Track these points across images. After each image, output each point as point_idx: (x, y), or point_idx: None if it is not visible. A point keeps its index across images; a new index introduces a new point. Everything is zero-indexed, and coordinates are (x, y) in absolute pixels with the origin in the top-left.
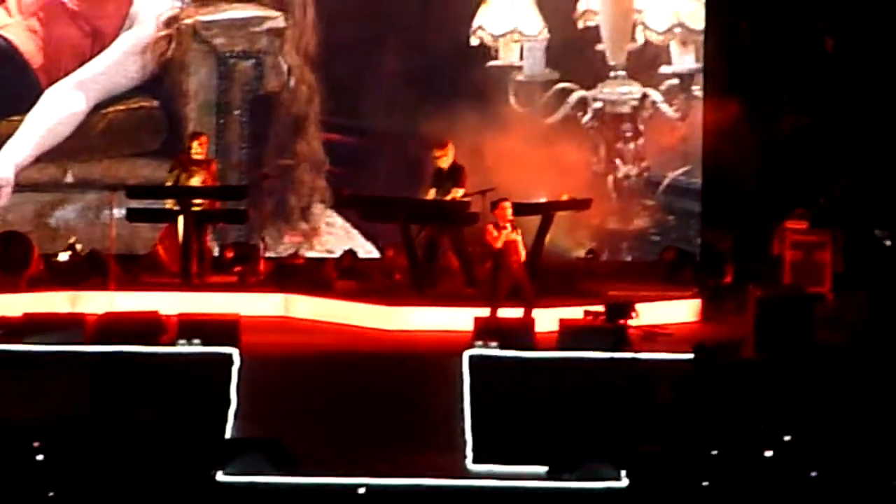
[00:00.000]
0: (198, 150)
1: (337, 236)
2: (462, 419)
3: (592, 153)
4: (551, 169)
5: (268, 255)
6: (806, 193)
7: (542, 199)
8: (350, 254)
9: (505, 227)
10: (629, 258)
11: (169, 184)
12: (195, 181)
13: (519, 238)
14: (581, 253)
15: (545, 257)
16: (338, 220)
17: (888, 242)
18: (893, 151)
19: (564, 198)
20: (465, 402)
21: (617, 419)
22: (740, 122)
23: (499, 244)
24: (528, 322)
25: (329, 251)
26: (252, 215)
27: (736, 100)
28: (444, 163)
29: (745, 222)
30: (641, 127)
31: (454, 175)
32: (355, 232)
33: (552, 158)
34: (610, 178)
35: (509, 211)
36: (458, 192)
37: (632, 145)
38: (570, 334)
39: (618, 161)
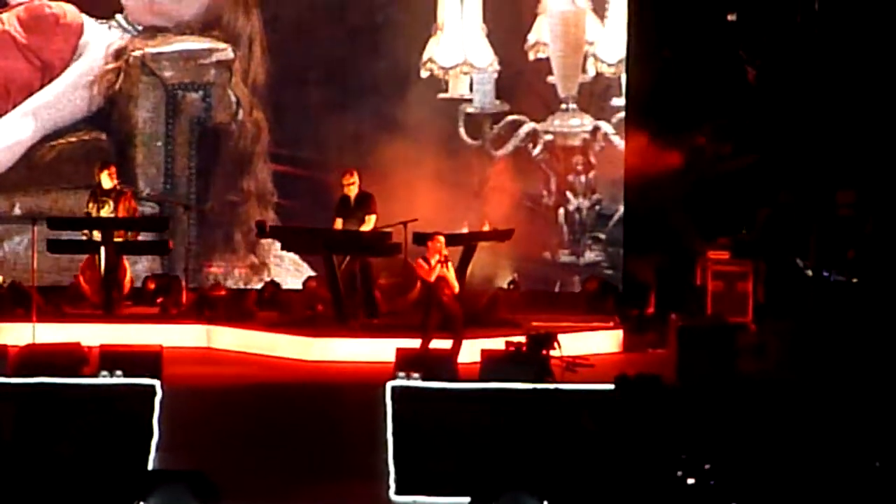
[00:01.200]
0: (107, 181)
1: (286, 269)
2: (385, 451)
3: (543, 185)
4: (494, 199)
5: (191, 286)
6: (728, 223)
7: (464, 230)
8: (272, 285)
9: (441, 261)
10: (556, 289)
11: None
12: (105, 212)
13: (451, 272)
14: (503, 283)
15: (467, 287)
16: (288, 254)
17: (810, 272)
18: (815, 181)
19: (486, 228)
20: (388, 434)
21: (539, 450)
22: (662, 152)
23: (432, 278)
24: (450, 353)
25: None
26: (175, 246)
27: (656, 129)
28: (352, 191)
29: (668, 251)
30: (593, 160)
31: (363, 203)
32: (305, 265)
33: (499, 189)
34: (561, 211)
35: (442, 245)
36: (370, 220)
37: (583, 178)
38: (492, 365)
39: (569, 194)
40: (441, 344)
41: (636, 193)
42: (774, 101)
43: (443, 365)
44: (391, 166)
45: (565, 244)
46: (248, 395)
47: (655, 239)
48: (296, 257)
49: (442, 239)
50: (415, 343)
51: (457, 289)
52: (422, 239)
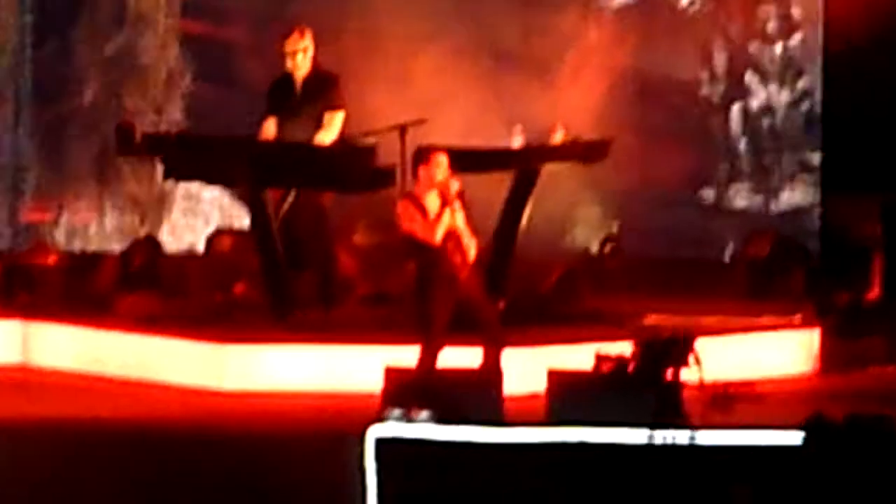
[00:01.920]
0: None
1: (175, 217)
2: None
3: (693, 62)
4: (584, 86)
5: None
6: None
7: (516, 142)
8: (148, 245)
9: (450, 203)
10: (683, 255)
11: None
12: None
13: (463, 224)
14: (593, 245)
15: (523, 254)
16: (179, 186)
17: None
18: None
19: (558, 139)
20: None
21: None
22: None
23: (436, 237)
24: (489, 375)
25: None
26: None
27: None
28: (301, 67)
29: None
30: (796, 14)
31: (321, 90)
32: (210, 210)
33: (599, 68)
34: (735, 109)
35: (445, 168)
36: (334, 121)
37: (778, 49)
38: (568, 397)
39: (750, 77)
40: (460, 357)
41: (840, 79)
42: None
43: (474, 395)
44: (380, 24)
45: (735, 174)
46: (101, 455)
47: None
48: (196, 192)
49: (443, 159)
50: (410, 353)
51: (473, 252)
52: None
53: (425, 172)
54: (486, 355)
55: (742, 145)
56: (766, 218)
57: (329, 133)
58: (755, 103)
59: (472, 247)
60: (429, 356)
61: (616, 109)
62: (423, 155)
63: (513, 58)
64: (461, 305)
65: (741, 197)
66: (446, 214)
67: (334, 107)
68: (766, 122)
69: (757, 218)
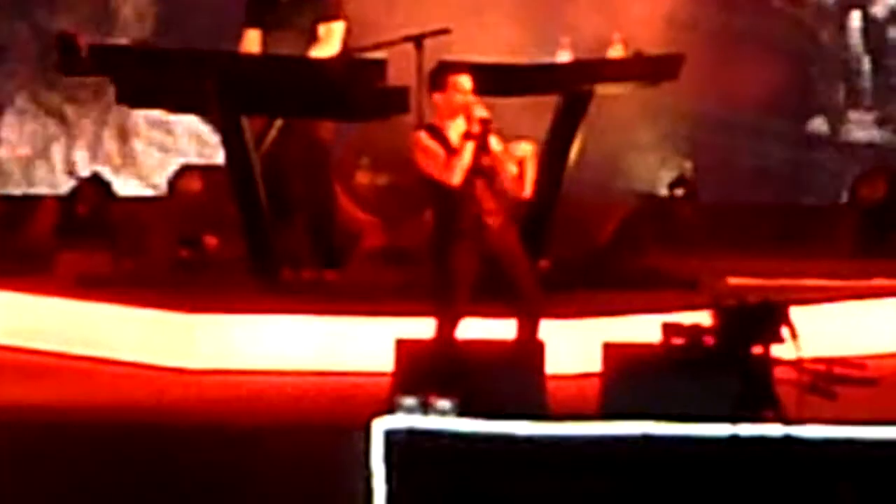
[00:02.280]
0: None
1: (131, 148)
2: None
3: None
4: None
5: None
6: None
7: (562, 58)
8: (95, 185)
9: (468, 136)
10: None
11: None
12: None
13: (492, 162)
14: (660, 188)
15: (571, 200)
16: (139, 113)
17: None
18: None
19: (615, 53)
20: None
21: None
22: None
23: (454, 177)
24: (526, 352)
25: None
26: None
27: None
28: None
29: None
30: None
31: None
32: (175, 139)
33: None
34: (856, 16)
35: (468, 90)
36: (332, 32)
37: None
38: (629, 379)
39: None
40: (487, 327)
41: None
42: None
43: (507, 378)
44: None
45: (851, 100)
46: (39, 449)
47: None
48: (156, 118)
49: (466, 81)
50: (431, 327)
51: (526, 192)
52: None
53: (444, 96)
54: (521, 328)
55: (863, 63)
56: (890, 154)
57: (325, 48)
58: (879, 10)
59: (504, 191)
60: (447, 328)
61: (691, 14)
62: (441, 73)
63: None
64: (490, 264)
65: (857, 127)
66: (468, 149)
67: (330, 16)
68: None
69: (877, 155)
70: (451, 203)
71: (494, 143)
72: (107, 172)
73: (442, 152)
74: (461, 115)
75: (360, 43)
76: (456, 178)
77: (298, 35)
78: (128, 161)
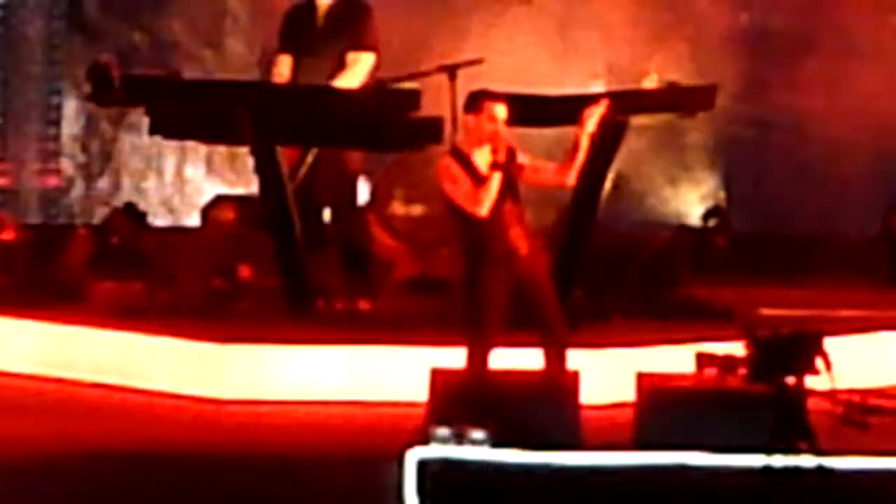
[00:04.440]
0: None
1: (162, 177)
2: None
3: None
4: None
5: None
6: None
7: (597, 89)
8: (128, 214)
9: (496, 165)
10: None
11: None
12: None
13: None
14: (693, 219)
15: (605, 229)
16: (167, 143)
17: None
18: None
19: (651, 83)
20: None
21: None
22: None
23: (482, 209)
24: (561, 381)
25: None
26: None
27: None
28: None
29: None
30: None
31: (348, 19)
32: (208, 170)
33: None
34: None
35: (501, 119)
36: (362, 63)
37: None
38: (664, 410)
39: None
40: (521, 357)
41: None
42: None
43: (543, 407)
44: None
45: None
46: (72, 478)
47: None
48: (192, 149)
49: (500, 109)
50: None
51: (570, 179)
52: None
53: (476, 120)
54: (548, 358)
55: None
56: None
57: (351, 78)
58: None
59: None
60: (478, 359)
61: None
62: (478, 97)
63: None
64: (518, 292)
65: None
66: (495, 180)
67: (361, 46)
68: None
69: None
70: (481, 231)
71: (521, 157)
72: (220, 188)
73: (468, 182)
74: (488, 143)
75: (399, 71)
76: (483, 209)
77: (331, 62)
78: (241, 178)
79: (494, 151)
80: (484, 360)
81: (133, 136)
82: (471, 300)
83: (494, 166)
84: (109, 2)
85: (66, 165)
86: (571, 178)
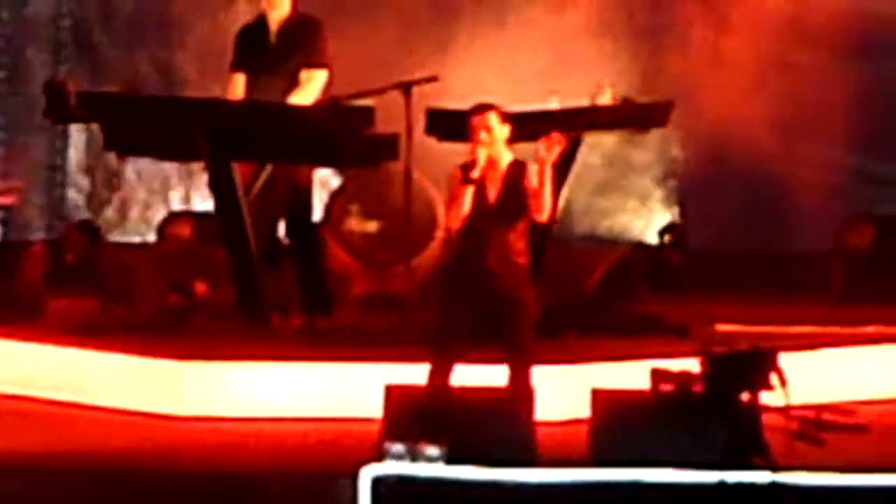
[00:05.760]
0: None
1: (118, 196)
2: None
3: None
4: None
5: None
6: None
7: (551, 105)
8: (84, 231)
9: (469, 178)
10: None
11: None
12: None
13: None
14: (648, 235)
15: (560, 245)
16: (128, 161)
17: None
18: None
19: (605, 99)
20: None
21: None
22: None
23: (450, 222)
24: (516, 398)
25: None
26: None
27: None
28: (279, 5)
29: None
30: None
31: (300, 36)
32: (165, 185)
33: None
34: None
35: (488, 126)
36: (314, 80)
37: None
38: (619, 426)
39: None
40: (481, 374)
41: None
42: None
43: (498, 423)
44: None
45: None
46: (27, 496)
47: None
48: (145, 166)
49: (486, 128)
50: (420, 373)
51: (542, 216)
52: (447, 122)
53: (478, 125)
54: (512, 375)
55: None
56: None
57: (304, 95)
58: None
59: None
60: (439, 373)
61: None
62: (476, 110)
63: None
64: (492, 311)
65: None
66: (465, 192)
67: (313, 63)
68: None
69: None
70: (458, 243)
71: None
72: None
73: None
74: (470, 157)
75: (353, 83)
76: (451, 222)
77: (283, 80)
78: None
79: (471, 165)
80: (444, 376)
81: (139, 164)
82: (443, 318)
83: (465, 181)
84: (115, 31)
85: (73, 194)
86: (544, 216)
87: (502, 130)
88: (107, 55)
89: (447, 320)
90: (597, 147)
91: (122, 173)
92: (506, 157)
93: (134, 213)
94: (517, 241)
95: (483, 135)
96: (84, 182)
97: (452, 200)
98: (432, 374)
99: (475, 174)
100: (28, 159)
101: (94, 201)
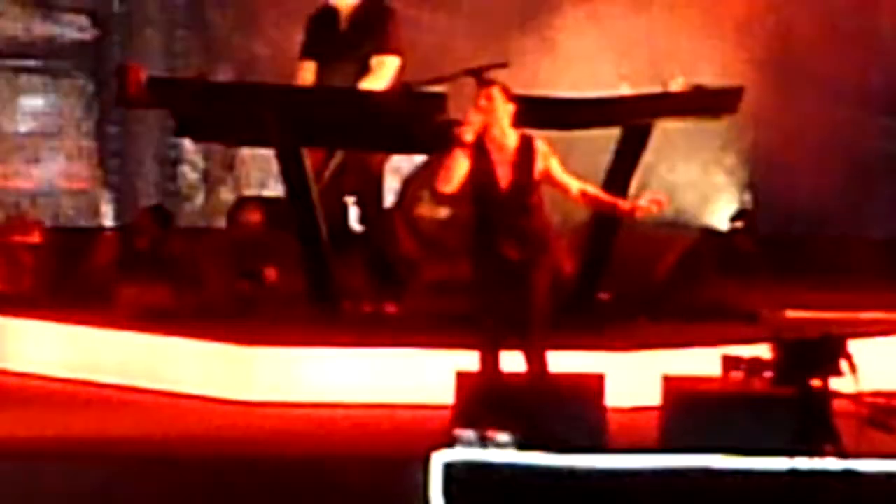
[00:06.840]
0: None
1: (183, 179)
2: None
3: None
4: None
5: None
6: None
7: (621, 91)
8: (152, 215)
9: (458, 138)
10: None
11: None
12: None
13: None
14: (719, 221)
15: (630, 234)
16: (188, 143)
17: None
18: None
19: (676, 86)
20: None
21: None
22: None
23: (441, 185)
24: (591, 384)
25: None
26: None
27: None
28: None
29: None
30: None
31: (372, 24)
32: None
33: None
34: None
35: (492, 96)
36: (386, 67)
37: None
38: (690, 412)
39: None
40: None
41: None
42: None
43: (569, 410)
44: None
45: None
46: (96, 482)
47: None
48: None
49: (496, 92)
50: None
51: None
52: (518, 109)
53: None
54: (527, 359)
55: None
56: None
57: (375, 81)
58: None
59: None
60: (488, 361)
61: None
62: (484, 87)
63: None
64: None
65: None
66: (455, 155)
67: (385, 49)
68: None
69: None
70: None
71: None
72: None
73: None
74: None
75: (427, 70)
76: (441, 186)
77: (354, 67)
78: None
79: (460, 125)
80: (493, 363)
81: None
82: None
83: (457, 143)
84: (231, 12)
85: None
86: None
87: (505, 107)
88: (220, 35)
89: (480, 308)
90: (669, 133)
91: (237, 153)
92: (511, 137)
93: (251, 193)
94: (531, 219)
95: (483, 101)
96: (199, 161)
97: (443, 164)
98: (483, 363)
99: (468, 136)
100: (142, 139)
101: (210, 180)
